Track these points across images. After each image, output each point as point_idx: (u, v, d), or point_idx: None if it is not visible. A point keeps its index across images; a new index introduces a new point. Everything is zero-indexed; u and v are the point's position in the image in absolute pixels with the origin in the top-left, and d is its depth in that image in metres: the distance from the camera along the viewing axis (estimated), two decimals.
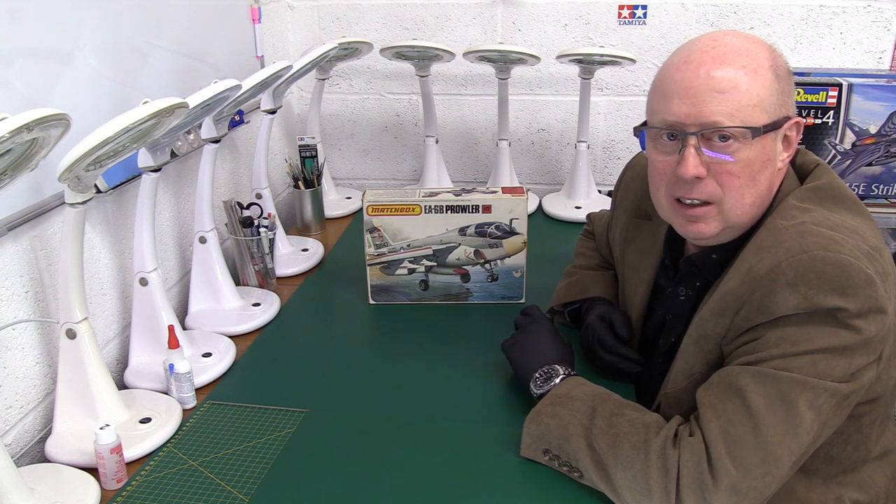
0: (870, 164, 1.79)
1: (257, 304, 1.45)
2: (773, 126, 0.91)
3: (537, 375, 1.07)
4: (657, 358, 1.11)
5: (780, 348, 0.85)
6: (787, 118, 0.93)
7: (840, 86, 1.74)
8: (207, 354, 1.27)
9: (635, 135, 0.99)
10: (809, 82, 1.76)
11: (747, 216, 0.95)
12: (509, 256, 1.42)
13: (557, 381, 1.04)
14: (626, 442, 0.91)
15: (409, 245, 1.42)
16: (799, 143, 0.98)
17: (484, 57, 1.83)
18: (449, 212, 1.39)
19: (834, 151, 1.78)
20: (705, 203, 0.94)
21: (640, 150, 1.01)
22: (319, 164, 1.84)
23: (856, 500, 0.96)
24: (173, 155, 1.36)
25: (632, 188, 1.20)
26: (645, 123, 0.97)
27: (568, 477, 0.97)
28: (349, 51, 1.89)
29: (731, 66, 0.89)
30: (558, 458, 0.97)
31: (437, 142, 2.02)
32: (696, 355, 0.96)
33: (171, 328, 1.17)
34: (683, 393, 0.96)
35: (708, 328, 0.94)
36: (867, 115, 1.75)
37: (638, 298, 1.16)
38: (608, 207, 1.37)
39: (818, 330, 0.84)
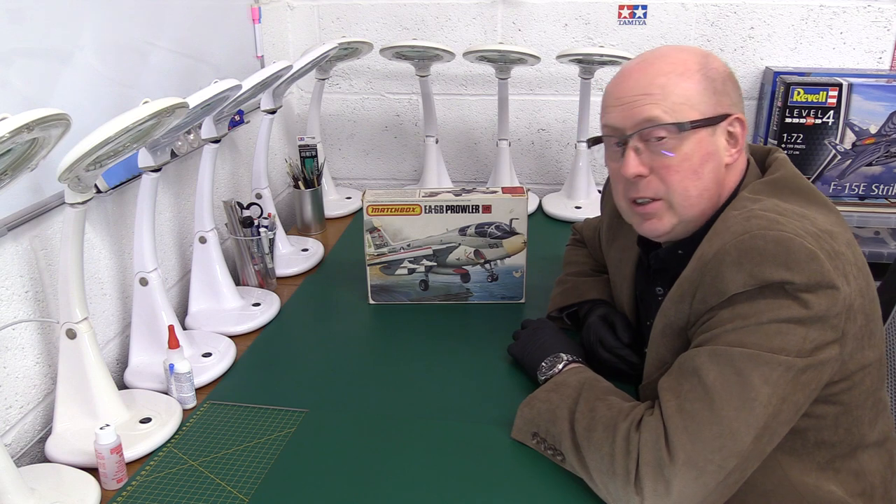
0: (870, 164, 1.79)
1: (257, 304, 1.45)
2: (706, 122, 0.96)
3: (544, 364, 1.12)
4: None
5: (732, 324, 0.88)
6: (727, 115, 0.97)
7: (840, 86, 1.74)
8: (207, 354, 1.27)
9: (588, 147, 1.08)
10: (809, 82, 1.76)
11: (696, 208, 0.99)
12: (509, 256, 1.42)
13: (560, 366, 1.09)
14: (600, 425, 0.93)
15: (409, 245, 1.42)
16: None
17: (484, 57, 1.83)
18: (449, 212, 1.39)
19: (834, 151, 1.78)
20: (655, 200, 1.00)
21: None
22: (319, 164, 1.84)
23: (850, 488, 0.96)
24: (173, 155, 1.36)
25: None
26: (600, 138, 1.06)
27: (567, 478, 0.97)
28: (349, 51, 1.89)
29: (658, 72, 0.97)
30: (545, 440, 1.00)
31: (437, 142, 2.02)
32: (664, 345, 0.99)
33: (171, 328, 1.17)
34: (657, 385, 0.97)
35: (670, 316, 0.97)
36: (867, 115, 1.75)
37: (624, 296, 1.19)
38: None
39: (768, 303, 0.86)
